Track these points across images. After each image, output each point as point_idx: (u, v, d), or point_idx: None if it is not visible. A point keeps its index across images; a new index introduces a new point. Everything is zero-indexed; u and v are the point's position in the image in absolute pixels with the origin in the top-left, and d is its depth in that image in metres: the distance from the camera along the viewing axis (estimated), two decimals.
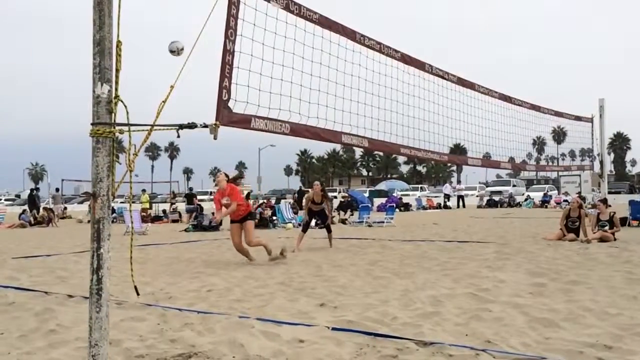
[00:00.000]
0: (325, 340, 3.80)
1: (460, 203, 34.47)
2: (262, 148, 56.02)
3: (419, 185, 59.98)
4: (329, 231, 10.57)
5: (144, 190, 29.11)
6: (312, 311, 4.78)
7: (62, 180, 34.68)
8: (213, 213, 19.53)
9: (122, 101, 2.84)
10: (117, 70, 2.83)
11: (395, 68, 7.12)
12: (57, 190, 31.59)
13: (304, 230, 10.48)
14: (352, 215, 21.29)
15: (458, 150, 22.27)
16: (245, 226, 8.08)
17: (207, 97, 4.21)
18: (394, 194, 38.45)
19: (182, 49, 3.35)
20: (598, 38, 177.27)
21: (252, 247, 8.15)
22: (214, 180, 24.01)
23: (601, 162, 13.54)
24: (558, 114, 12.36)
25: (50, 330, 4.24)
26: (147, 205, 26.01)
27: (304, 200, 11.77)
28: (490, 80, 9.06)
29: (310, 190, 11.84)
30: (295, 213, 19.55)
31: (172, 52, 3.34)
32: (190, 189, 29.87)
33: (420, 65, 7.60)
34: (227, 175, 8.30)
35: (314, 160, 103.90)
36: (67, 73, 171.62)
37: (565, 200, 27.95)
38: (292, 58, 5.23)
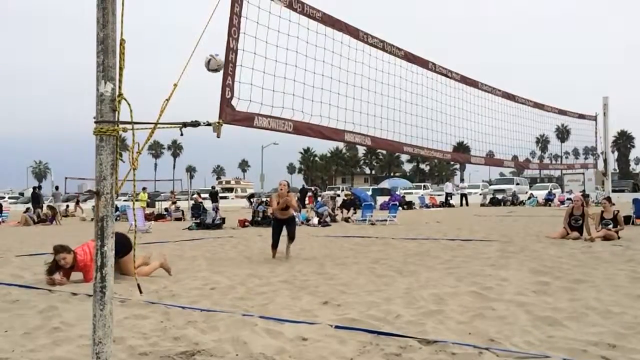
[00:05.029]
0: (328, 339, 3.80)
1: (464, 201, 34.45)
2: (265, 146, 56.05)
3: (422, 184, 59.89)
4: (291, 241, 8.91)
5: (144, 189, 29.09)
6: (315, 309, 4.78)
7: (66, 178, 34.61)
8: (214, 210, 19.80)
9: (125, 99, 2.84)
10: (121, 69, 2.83)
11: (398, 66, 7.11)
12: (57, 188, 31.15)
13: (274, 247, 8.79)
14: (355, 213, 21.29)
15: (461, 148, 22.21)
16: None
17: (211, 95, 4.22)
18: (397, 192, 38.40)
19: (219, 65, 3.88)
20: (601, 37, 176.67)
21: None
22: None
23: (605, 161, 13.51)
24: (562, 112, 12.33)
25: (54, 328, 4.25)
26: (144, 204, 26.05)
27: (271, 200, 9.65)
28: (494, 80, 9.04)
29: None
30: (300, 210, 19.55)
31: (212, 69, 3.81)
32: (213, 187, 30.00)
33: (423, 63, 7.59)
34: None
35: (317, 158, 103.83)
36: (68, 72, 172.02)
37: (569, 199, 27.89)
38: (295, 56, 5.24)
